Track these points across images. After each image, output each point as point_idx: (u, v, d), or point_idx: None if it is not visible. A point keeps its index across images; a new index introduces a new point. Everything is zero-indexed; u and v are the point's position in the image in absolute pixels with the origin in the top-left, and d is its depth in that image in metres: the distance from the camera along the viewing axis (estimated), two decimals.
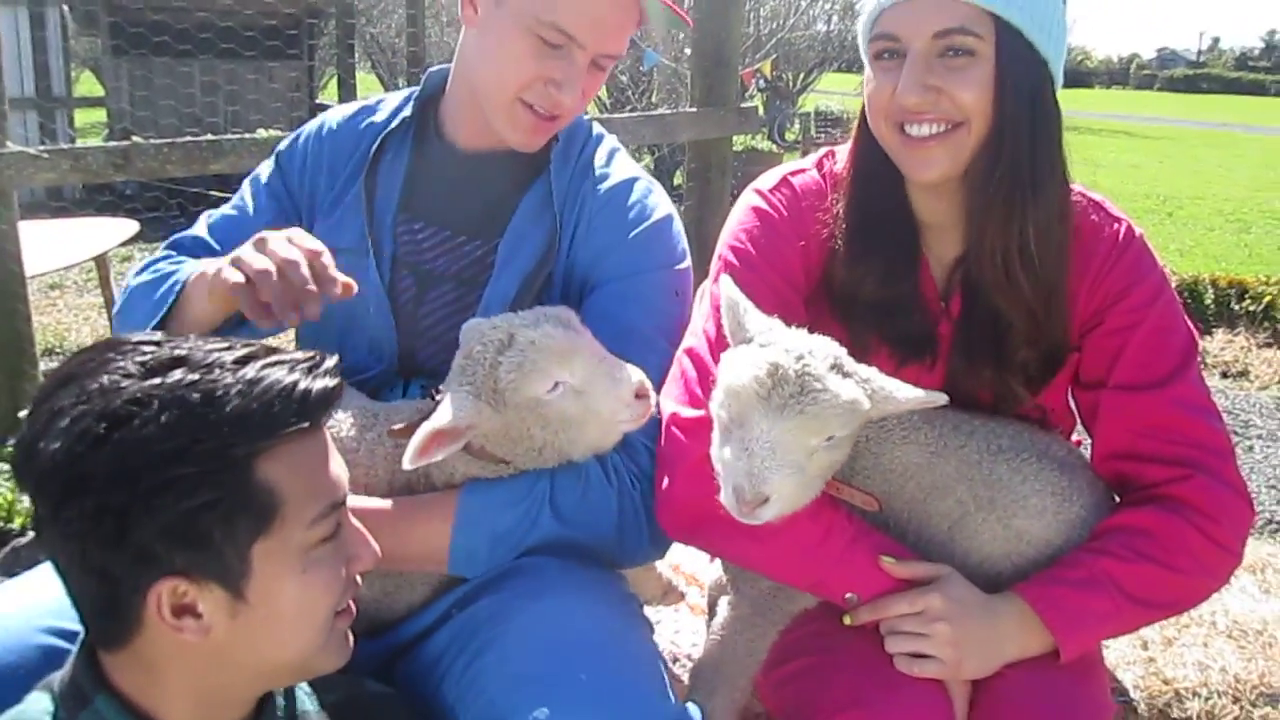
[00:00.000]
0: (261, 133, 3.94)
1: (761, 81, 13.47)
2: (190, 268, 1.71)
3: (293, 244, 1.47)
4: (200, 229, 1.92)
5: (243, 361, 1.11)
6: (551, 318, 1.53)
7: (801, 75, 17.86)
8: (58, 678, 1.17)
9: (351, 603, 1.24)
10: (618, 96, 10.55)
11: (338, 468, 1.19)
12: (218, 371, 1.08)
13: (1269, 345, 6.24)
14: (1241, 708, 2.08)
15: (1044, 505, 1.55)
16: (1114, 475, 1.64)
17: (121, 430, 1.03)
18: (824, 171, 1.76)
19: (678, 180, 9.39)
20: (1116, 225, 1.67)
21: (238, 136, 3.82)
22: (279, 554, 1.11)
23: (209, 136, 3.78)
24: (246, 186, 1.97)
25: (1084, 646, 1.51)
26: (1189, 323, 1.66)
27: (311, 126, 1.99)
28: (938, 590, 1.48)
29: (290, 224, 1.87)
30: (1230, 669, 2.16)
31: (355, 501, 1.51)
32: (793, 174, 1.77)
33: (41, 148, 3.59)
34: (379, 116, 1.95)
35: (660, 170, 10.21)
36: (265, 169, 1.98)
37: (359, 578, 1.25)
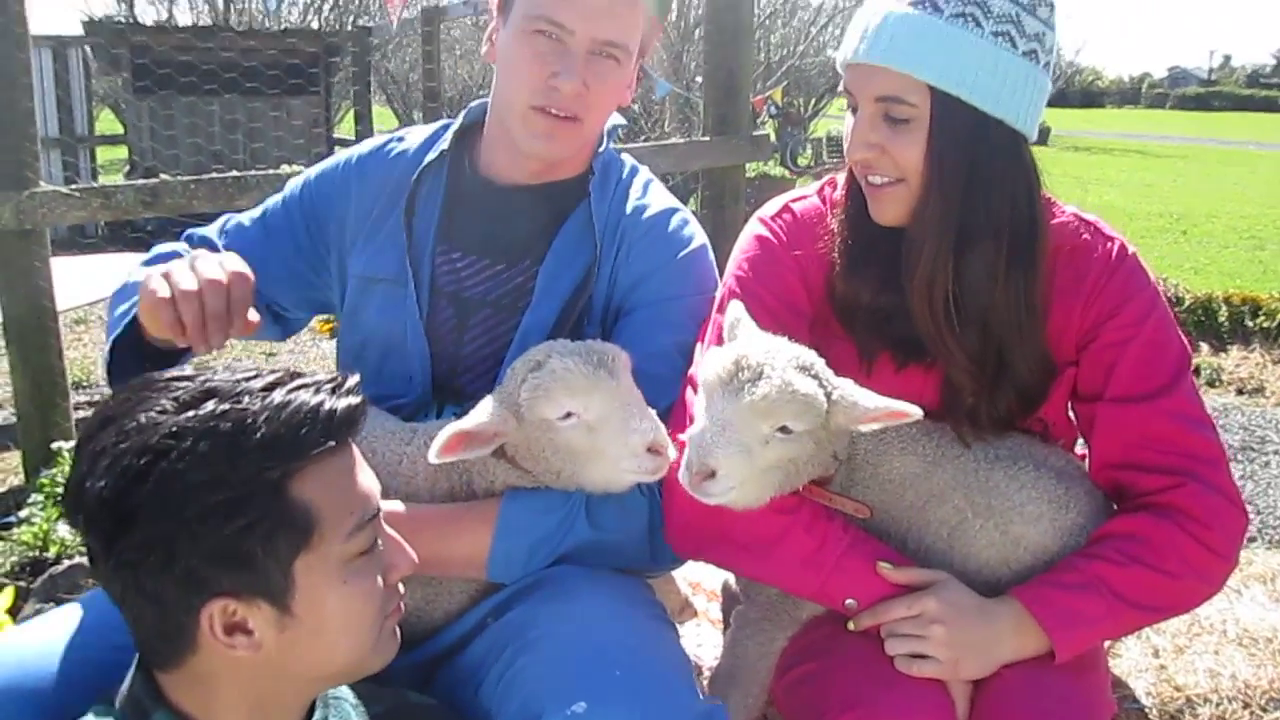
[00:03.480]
0: (285, 168, 4.05)
1: (773, 108, 13.59)
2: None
3: (223, 268, 1.54)
4: (212, 230, 2.00)
5: (270, 388, 1.17)
6: (590, 352, 1.58)
7: (813, 101, 18.02)
8: (119, 692, 1.23)
9: (401, 603, 1.30)
10: (631, 126, 10.67)
11: (369, 481, 1.25)
12: (247, 399, 1.14)
13: None
14: (1252, 713, 2.11)
15: (1040, 512, 1.61)
16: (1111, 484, 1.70)
17: (161, 464, 1.09)
18: (824, 197, 1.85)
19: (692, 206, 9.48)
20: (1109, 244, 1.73)
21: (262, 173, 3.93)
22: (320, 568, 1.17)
23: (234, 173, 3.90)
24: (265, 205, 2.03)
25: (1078, 647, 1.56)
26: (1182, 337, 1.71)
27: (340, 158, 2.04)
28: (933, 594, 1.55)
29: (305, 248, 2.00)
30: (1240, 675, 2.19)
31: (398, 508, 1.59)
32: (794, 201, 1.86)
33: (73, 187, 3.70)
34: (408, 147, 2.00)
35: (674, 196, 10.29)
36: (290, 191, 2.03)
37: (401, 585, 1.31)
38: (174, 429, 1.11)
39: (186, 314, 1.50)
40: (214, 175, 3.86)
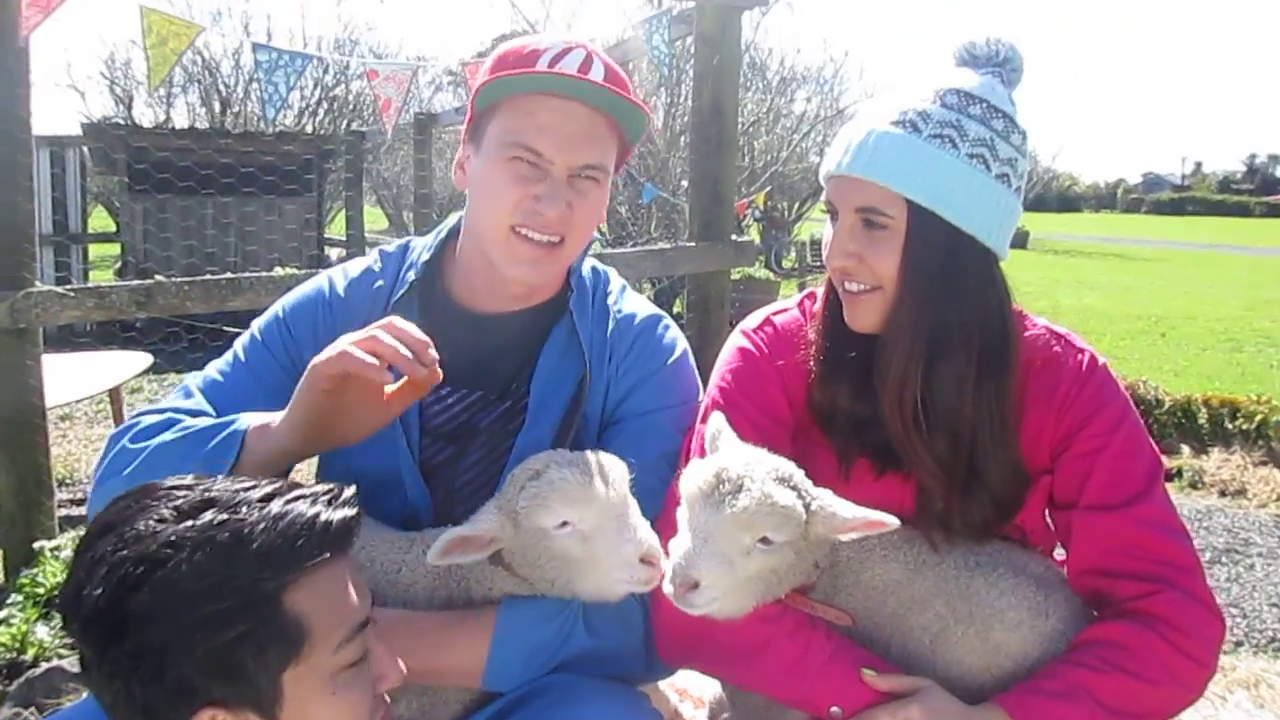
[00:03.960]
0: (278, 271, 4.12)
1: (757, 212, 13.87)
2: (245, 421, 1.67)
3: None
4: (196, 400, 1.82)
5: (268, 498, 1.20)
6: (587, 463, 1.60)
7: (796, 205, 18.38)
8: None
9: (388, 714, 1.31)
10: (617, 231, 10.86)
11: (360, 592, 1.26)
12: (245, 509, 1.17)
13: (1264, 463, 6.28)
14: None
15: (1020, 619, 1.63)
16: (1089, 591, 1.73)
17: (158, 573, 1.12)
18: (804, 309, 1.91)
19: (678, 308, 9.63)
20: (1079, 356, 1.79)
21: (255, 275, 3.99)
22: (309, 679, 1.18)
23: (228, 275, 3.96)
24: (240, 347, 1.92)
25: None
26: (1153, 445, 1.76)
27: (319, 286, 1.98)
28: (917, 701, 1.56)
29: (291, 385, 1.74)
30: None
31: (396, 615, 1.59)
32: (775, 313, 1.93)
33: (68, 287, 3.75)
34: (385, 281, 1.95)
35: (661, 299, 10.45)
36: (262, 328, 1.93)
37: (388, 696, 1.32)
38: (172, 538, 1.14)
39: (384, 347, 1.51)
40: (208, 277, 3.92)
